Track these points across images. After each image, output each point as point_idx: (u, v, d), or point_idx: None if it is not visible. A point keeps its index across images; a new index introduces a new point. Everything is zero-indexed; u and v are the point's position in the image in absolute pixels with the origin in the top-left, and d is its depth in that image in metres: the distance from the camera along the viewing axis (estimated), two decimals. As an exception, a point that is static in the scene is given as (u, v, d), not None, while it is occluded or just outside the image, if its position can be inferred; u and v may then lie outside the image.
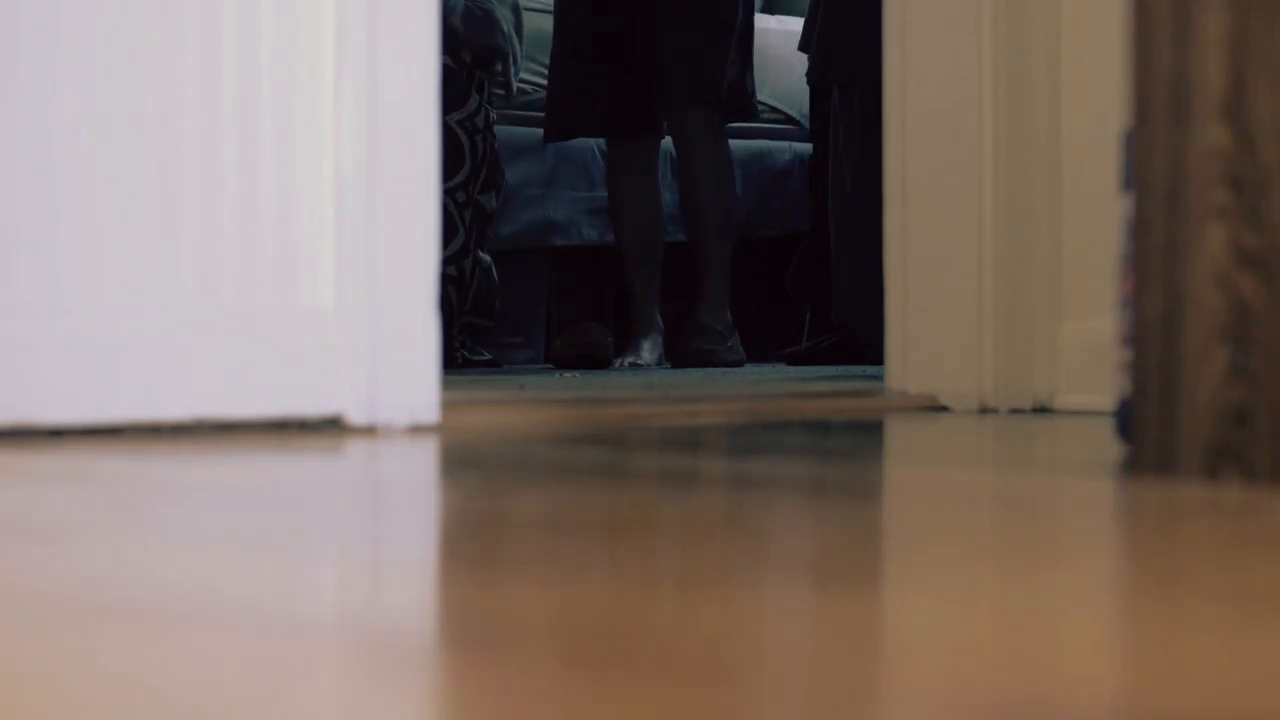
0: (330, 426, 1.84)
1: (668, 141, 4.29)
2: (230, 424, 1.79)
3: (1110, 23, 2.15)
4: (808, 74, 4.42)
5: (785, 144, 5.12)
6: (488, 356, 4.20)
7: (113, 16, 1.77)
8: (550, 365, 4.34)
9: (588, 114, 4.12)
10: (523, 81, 4.47)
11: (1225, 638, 0.73)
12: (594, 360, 4.06)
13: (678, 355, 4.12)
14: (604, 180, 4.40)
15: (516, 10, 4.21)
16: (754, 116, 4.38)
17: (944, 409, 2.39)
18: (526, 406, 2.15)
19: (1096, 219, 2.27)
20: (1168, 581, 0.93)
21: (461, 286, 4.07)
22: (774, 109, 5.16)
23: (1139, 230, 1.35)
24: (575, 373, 3.66)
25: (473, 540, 1.10)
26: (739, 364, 4.17)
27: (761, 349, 4.82)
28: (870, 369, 3.51)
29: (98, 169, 1.75)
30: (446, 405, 1.93)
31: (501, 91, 4.21)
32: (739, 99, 4.16)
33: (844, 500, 1.37)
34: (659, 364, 4.10)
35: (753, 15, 4.23)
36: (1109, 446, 1.66)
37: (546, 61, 4.61)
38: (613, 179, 4.21)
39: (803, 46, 4.38)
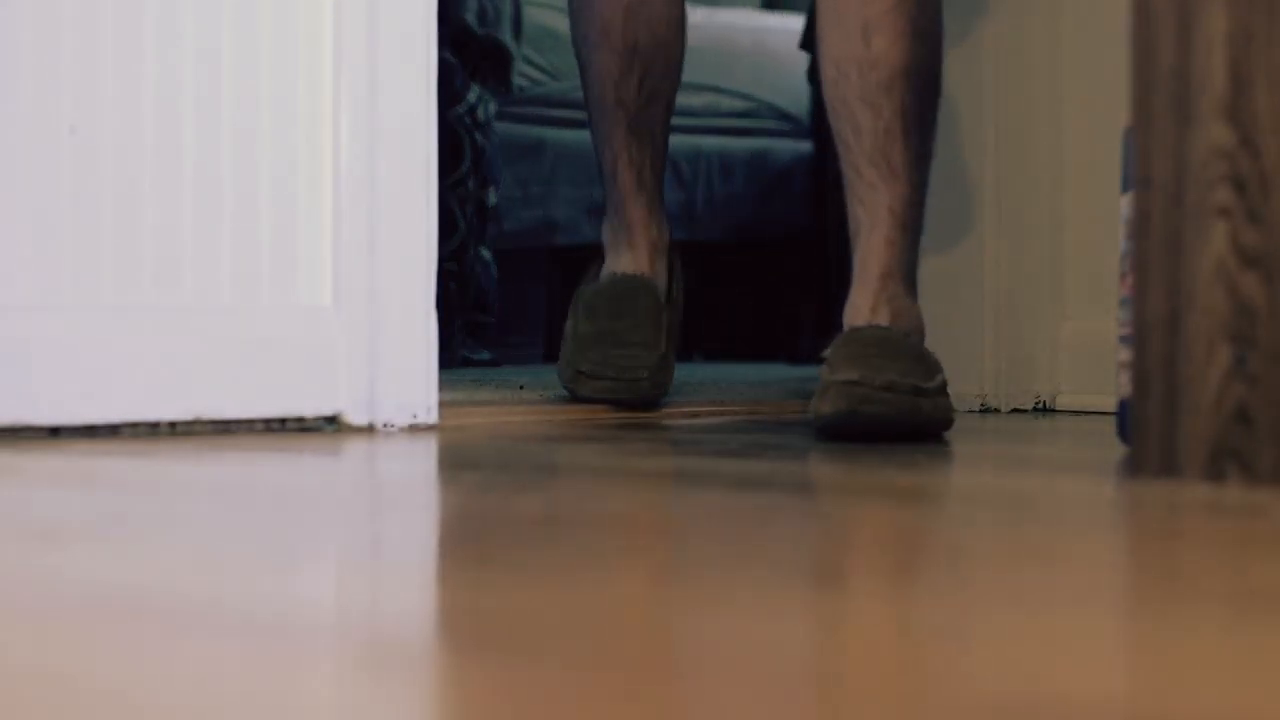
0: (329, 426, 1.84)
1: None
2: (229, 423, 1.78)
3: (1112, 21, 2.15)
4: (808, 73, 4.42)
5: (785, 144, 5.12)
6: (488, 356, 4.20)
7: (112, 14, 1.77)
8: (549, 363, 4.32)
9: None
10: (522, 78, 4.46)
11: (1225, 638, 0.73)
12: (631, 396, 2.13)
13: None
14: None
15: (518, 4, 4.20)
16: None
17: (944, 409, 2.38)
18: (526, 406, 2.15)
19: (1097, 219, 2.27)
20: (1169, 581, 0.93)
21: (462, 282, 4.07)
22: (774, 108, 5.16)
23: (1141, 230, 1.34)
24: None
25: (472, 540, 1.10)
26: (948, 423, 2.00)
27: (761, 349, 4.83)
28: (870, 369, 3.50)
29: (92, 167, 1.75)
30: (446, 405, 1.93)
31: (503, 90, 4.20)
32: None
33: (844, 500, 1.37)
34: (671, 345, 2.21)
35: None
36: (1111, 446, 1.66)
37: (548, 59, 4.61)
38: None
39: (803, 45, 4.38)
